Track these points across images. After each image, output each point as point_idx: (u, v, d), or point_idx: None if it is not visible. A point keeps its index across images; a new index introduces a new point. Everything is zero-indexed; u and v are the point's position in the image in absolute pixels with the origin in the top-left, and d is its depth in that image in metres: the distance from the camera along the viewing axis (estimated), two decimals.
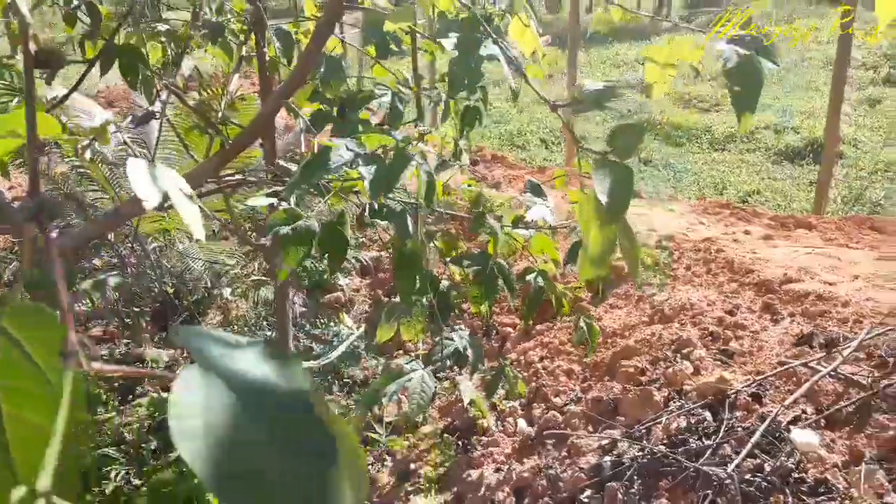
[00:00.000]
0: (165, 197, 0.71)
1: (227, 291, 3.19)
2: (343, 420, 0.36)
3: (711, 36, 1.01)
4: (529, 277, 1.95)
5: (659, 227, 4.04)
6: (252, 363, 0.35)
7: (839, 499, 1.84)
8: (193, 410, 0.31)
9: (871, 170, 6.28)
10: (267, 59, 1.95)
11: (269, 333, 3.28)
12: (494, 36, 0.97)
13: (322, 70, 1.74)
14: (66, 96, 1.53)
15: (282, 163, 1.99)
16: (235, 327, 3.32)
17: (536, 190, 1.88)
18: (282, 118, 3.81)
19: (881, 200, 5.71)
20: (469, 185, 1.94)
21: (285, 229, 1.25)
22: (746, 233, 3.88)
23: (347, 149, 1.17)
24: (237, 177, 1.88)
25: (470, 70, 0.98)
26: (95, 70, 1.62)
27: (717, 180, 6.53)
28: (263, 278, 3.22)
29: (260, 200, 1.37)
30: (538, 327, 3.36)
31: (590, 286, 3.17)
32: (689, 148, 7.52)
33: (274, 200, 1.40)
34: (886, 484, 1.91)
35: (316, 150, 1.34)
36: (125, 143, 2.06)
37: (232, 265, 3.43)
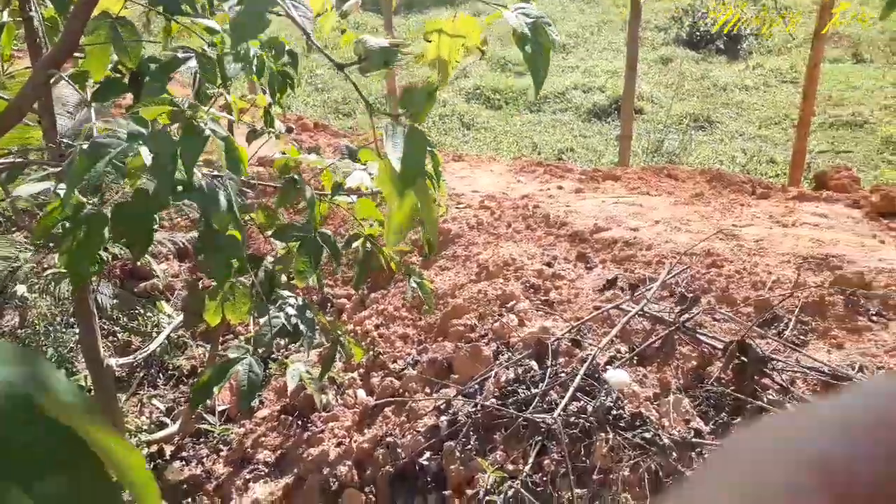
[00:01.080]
0: None
1: (21, 289, 2.85)
2: (116, 437, 0.31)
3: (495, 17, 1.02)
4: (356, 244, 1.91)
5: (480, 188, 4.16)
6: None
7: (653, 429, 2.01)
8: None
9: (666, 123, 6.88)
10: (36, 24, 1.72)
11: (77, 331, 2.99)
12: None
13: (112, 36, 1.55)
14: None
15: (66, 141, 1.78)
16: (36, 328, 2.99)
17: (353, 155, 1.84)
18: (74, 93, 3.42)
19: (676, 151, 6.29)
20: (283, 154, 1.85)
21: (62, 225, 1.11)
22: (560, 188, 4.10)
23: (126, 131, 1.06)
24: (10, 159, 1.66)
25: (255, 19, 0.91)
26: None
27: (534, 141, 6.85)
28: (63, 271, 2.92)
29: (31, 188, 1.21)
30: (373, 295, 3.35)
31: (419, 249, 3.20)
32: (507, 110, 7.81)
33: (50, 185, 1.24)
34: (692, 410, 2.12)
35: (90, 139, 1.20)
36: None
37: (26, 259, 3.07)
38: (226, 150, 1.12)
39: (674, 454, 1.93)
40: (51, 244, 3.10)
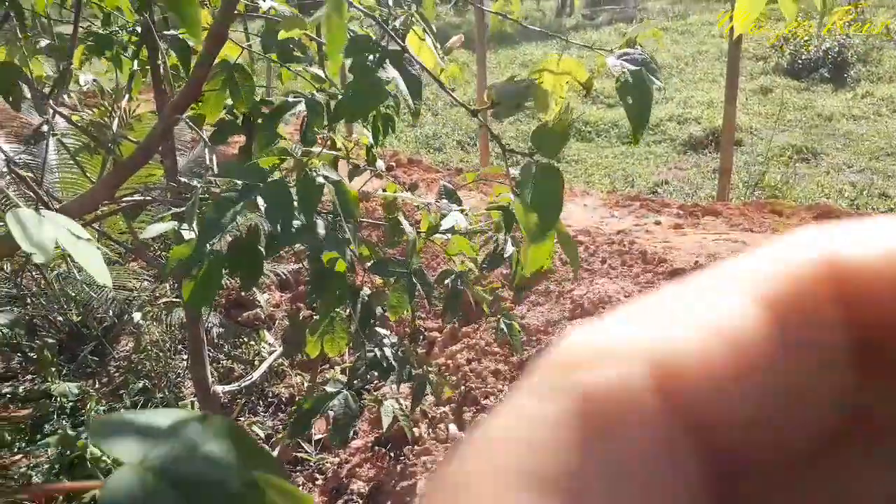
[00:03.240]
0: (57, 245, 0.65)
1: (137, 316, 3.03)
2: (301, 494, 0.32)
3: (599, 64, 1.03)
4: (448, 280, 1.93)
5: (573, 222, 4.11)
6: (188, 447, 0.30)
7: None
8: None
9: (767, 155, 6.62)
10: (162, 72, 1.86)
11: (185, 357, 3.14)
12: (389, 51, 0.94)
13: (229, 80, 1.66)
14: None
15: (184, 180, 1.89)
16: (149, 353, 3.16)
17: (451, 195, 1.87)
18: (189, 132, 3.66)
19: (778, 185, 6.03)
20: (385, 191, 1.90)
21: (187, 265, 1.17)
22: (657, 223, 4.00)
23: (242, 183, 1.11)
24: (135, 197, 1.78)
25: (367, 96, 0.95)
26: None
27: (627, 173, 6.73)
28: (175, 300, 3.08)
29: (159, 227, 1.29)
30: (464, 329, 3.36)
31: (510, 285, 3.20)
32: (599, 143, 7.73)
33: (174, 225, 1.32)
34: None
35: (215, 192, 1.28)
36: (9, 167, 1.92)
37: (141, 288, 3.27)
38: (338, 195, 1.16)
39: None
40: (161, 276, 3.29)
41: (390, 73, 0.92)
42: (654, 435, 0.13)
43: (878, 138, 6.94)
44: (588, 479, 0.12)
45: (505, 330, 1.97)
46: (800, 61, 8.83)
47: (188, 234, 1.19)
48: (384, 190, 1.91)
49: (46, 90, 1.89)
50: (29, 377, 3.23)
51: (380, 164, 2.23)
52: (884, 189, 5.82)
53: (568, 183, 6.53)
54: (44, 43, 1.91)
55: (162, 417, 0.32)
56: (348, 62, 0.91)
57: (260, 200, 0.95)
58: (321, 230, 1.25)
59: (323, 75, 1.86)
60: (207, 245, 1.12)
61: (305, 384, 3.07)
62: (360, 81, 0.89)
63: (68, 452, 2.58)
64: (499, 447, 0.13)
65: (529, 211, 0.90)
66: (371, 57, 0.90)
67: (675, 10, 13.52)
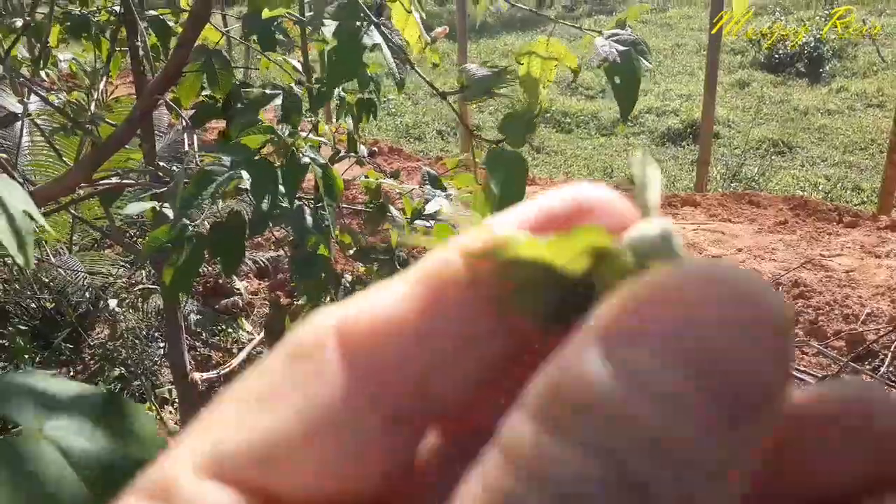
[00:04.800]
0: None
1: (113, 303, 2.98)
2: None
3: (586, 42, 1.02)
4: None
5: None
6: (86, 423, 0.29)
7: None
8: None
9: (744, 148, 6.69)
10: (140, 53, 1.82)
11: (162, 345, 3.10)
12: (377, 21, 0.93)
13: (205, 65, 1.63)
14: None
15: (163, 164, 1.86)
16: (125, 341, 3.12)
17: (434, 181, 1.86)
18: (166, 115, 3.60)
19: (755, 176, 6.10)
20: (367, 177, 1.89)
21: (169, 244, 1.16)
22: None
23: (231, 158, 1.10)
24: (113, 180, 1.75)
25: (350, 60, 0.94)
26: None
27: (606, 164, 6.77)
28: (152, 287, 3.04)
29: (138, 206, 1.27)
30: None
31: None
32: (578, 134, 7.76)
33: (155, 204, 1.30)
34: None
35: (198, 163, 1.26)
36: None
37: (117, 275, 3.22)
38: (323, 178, 1.15)
39: None
40: (138, 261, 3.25)
41: (376, 38, 0.91)
42: (333, 365, 0.17)
43: (852, 133, 7.05)
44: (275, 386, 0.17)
45: None
46: (777, 56, 8.92)
47: (170, 214, 1.17)
48: (366, 177, 1.90)
49: (23, 71, 1.85)
50: (0, 365, 3.17)
51: (362, 149, 2.22)
52: (857, 182, 5.92)
53: (547, 174, 6.55)
54: (19, 23, 1.86)
55: (60, 386, 0.32)
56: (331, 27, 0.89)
57: (245, 175, 0.94)
58: (308, 215, 1.24)
59: (299, 67, 1.85)
60: (187, 221, 1.11)
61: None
62: (344, 45, 0.88)
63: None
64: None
65: (488, 199, 0.90)
66: (357, 24, 0.89)
67: (654, 2, 13.58)
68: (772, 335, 0.13)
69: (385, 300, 0.17)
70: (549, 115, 8.16)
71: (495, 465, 0.13)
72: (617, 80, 1.02)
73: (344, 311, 0.18)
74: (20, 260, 0.54)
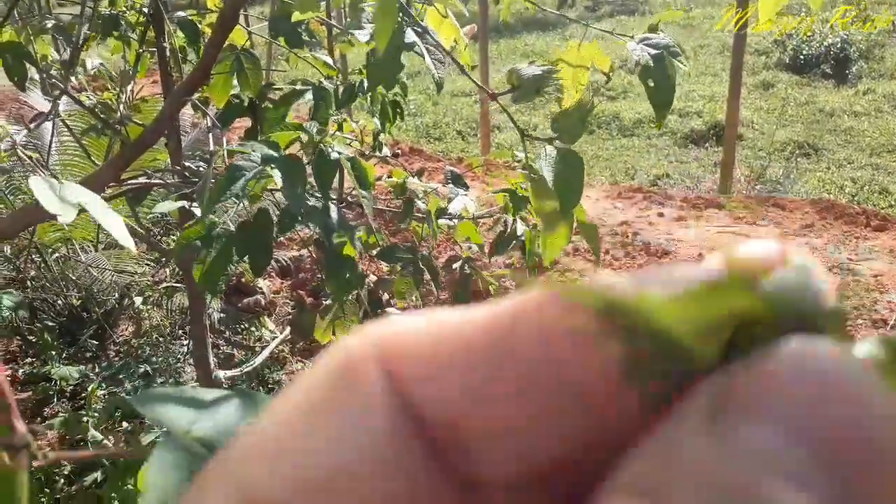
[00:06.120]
0: (82, 209, 0.64)
1: (138, 301, 3.02)
2: None
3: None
4: (456, 266, 1.93)
5: None
6: (231, 421, 0.29)
7: None
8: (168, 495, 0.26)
9: (768, 150, 6.61)
10: (168, 53, 1.84)
11: (185, 343, 3.13)
12: (415, 22, 0.93)
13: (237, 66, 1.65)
14: None
15: (188, 163, 1.88)
16: (149, 338, 3.16)
17: (457, 180, 1.86)
18: (188, 114, 3.64)
19: (780, 178, 6.02)
20: (391, 177, 1.89)
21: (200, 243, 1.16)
22: (660, 215, 4.00)
23: (261, 154, 1.10)
24: (141, 180, 1.77)
25: (390, 62, 0.94)
26: None
27: (628, 165, 6.72)
28: (176, 285, 3.07)
29: (168, 206, 1.28)
30: None
31: (513, 274, 3.19)
32: (600, 134, 7.72)
33: (184, 204, 1.31)
34: None
35: (226, 162, 1.27)
36: (15, 148, 1.90)
37: (142, 273, 3.25)
38: (353, 170, 1.15)
39: None
40: (163, 259, 3.29)
41: (412, 37, 0.91)
42: (370, 390, 0.14)
43: (879, 135, 6.93)
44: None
45: None
46: (802, 57, 8.81)
47: (199, 213, 1.18)
48: (390, 176, 1.91)
49: (53, 72, 1.88)
50: (29, 360, 3.22)
51: (385, 150, 2.23)
52: (884, 185, 5.82)
53: None
54: (50, 23, 1.89)
55: (202, 394, 0.32)
56: (366, 35, 0.89)
57: (277, 174, 0.94)
58: (334, 213, 1.24)
59: (331, 62, 1.85)
60: (216, 219, 1.12)
61: (306, 371, 3.06)
62: (387, 49, 0.88)
63: (67, 435, 2.58)
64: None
65: (545, 197, 0.89)
66: (397, 24, 0.90)
67: (677, 3, 13.47)
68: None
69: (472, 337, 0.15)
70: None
71: None
72: (650, 83, 1.01)
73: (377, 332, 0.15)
74: (124, 242, 0.56)
